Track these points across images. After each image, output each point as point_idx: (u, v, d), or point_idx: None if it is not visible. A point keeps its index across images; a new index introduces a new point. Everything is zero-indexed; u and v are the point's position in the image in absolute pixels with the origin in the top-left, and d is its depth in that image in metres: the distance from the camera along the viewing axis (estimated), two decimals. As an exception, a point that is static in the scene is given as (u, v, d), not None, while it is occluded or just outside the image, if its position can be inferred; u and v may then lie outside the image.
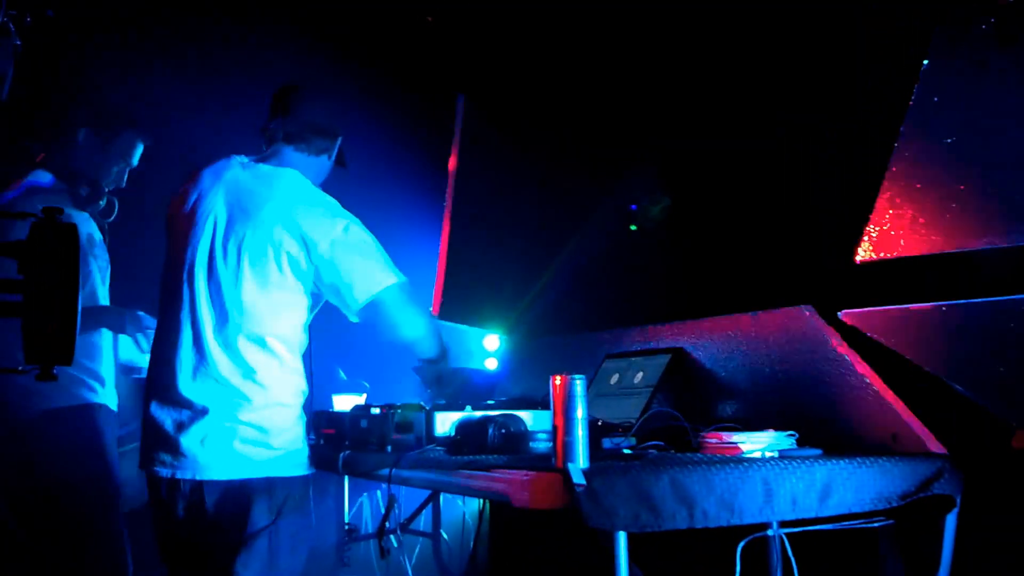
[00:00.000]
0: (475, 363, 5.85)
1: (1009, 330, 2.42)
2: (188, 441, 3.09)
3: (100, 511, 3.79)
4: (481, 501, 5.03)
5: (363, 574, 5.23)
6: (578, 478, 2.37)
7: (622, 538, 2.40)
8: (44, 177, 3.89)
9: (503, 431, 3.03)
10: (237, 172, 3.27)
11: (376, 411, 3.43)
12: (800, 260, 3.48)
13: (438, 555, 4.89)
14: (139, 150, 4.10)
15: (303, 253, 3.11)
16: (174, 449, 3.11)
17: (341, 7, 5.27)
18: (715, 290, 3.94)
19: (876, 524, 2.84)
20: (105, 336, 3.99)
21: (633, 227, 4.29)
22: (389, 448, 3.23)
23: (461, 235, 4.96)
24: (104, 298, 3.99)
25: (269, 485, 3.11)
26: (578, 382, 2.50)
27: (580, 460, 2.47)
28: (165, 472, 3.12)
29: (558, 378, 2.52)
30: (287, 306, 3.16)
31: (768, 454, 2.82)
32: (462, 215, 4.95)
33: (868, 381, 2.94)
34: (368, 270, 3.16)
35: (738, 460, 2.67)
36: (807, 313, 3.13)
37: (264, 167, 3.28)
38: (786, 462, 2.63)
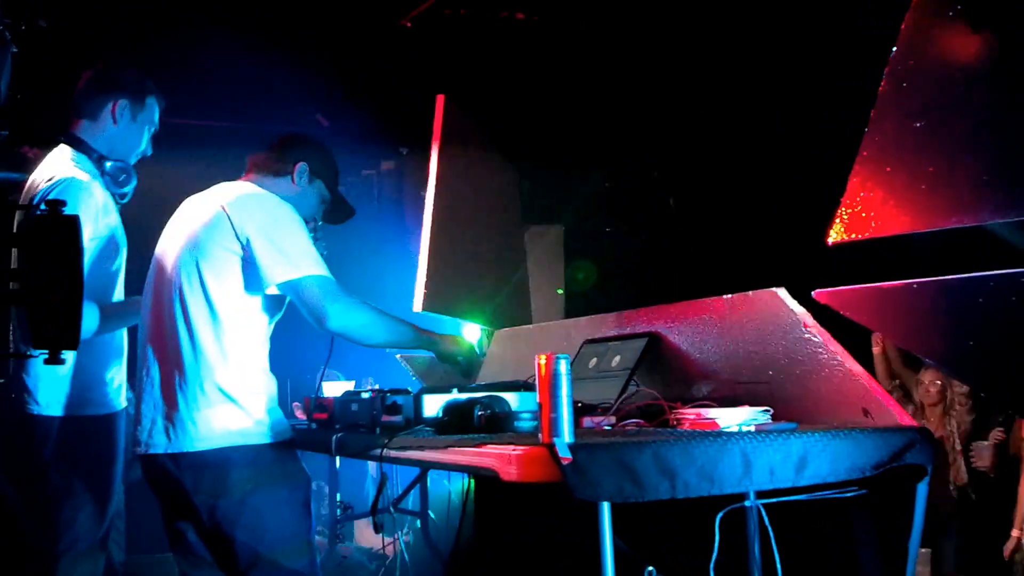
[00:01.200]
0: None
1: (978, 305, 2.38)
2: (160, 417, 3.12)
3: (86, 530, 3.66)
4: (466, 480, 4.99)
5: (357, 548, 5.17)
6: (564, 452, 2.32)
7: (606, 508, 2.35)
8: (83, 161, 3.70)
9: (488, 411, 3.00)
10: (207, 192, 3.36)
11: (366, 395, 3.40)
12: (773, 244, 3.44)
13: (426, 532, 4.85)
14: (158, 112, 3.97)
15: (235, 239, 3.14)
16: (156, 429, 3.14)
17: (324, 13, 5.21)
18: (690, 275, 3.90)
19: (849, 494, 2.81)
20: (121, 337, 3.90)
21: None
22: (379, 430, 3.21)
23: (441, 229, 4.89)
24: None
25: (240, 453, 3.10)
26: (562, 361, 2.46)
27: (565, 435, 2.42)
28: (152, 452, 3.15)
29: (543, 357, 2.47)
30: (233, 289, 3.17)
31: (745, 428, 2.77)
32: (442, 210, 4.88)
33: (840, 359, 2.90)
34: (278, 259, 3.13)
35: (717, 433, 2.62)
36: (779, 294, 3.09)
37: (227, 183, 3.34)
38: (763, 434, 2.59)
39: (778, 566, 2.90)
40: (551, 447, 2.35)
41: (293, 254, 3.14)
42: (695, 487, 2.45)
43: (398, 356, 4.83)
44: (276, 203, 3.23)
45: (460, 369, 3.68)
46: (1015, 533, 4.99)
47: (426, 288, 4.75)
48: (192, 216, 3.26)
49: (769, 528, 2.90)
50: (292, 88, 5.03)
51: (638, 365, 3.54)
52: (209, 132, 5.04)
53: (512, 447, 2.51)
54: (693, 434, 2.59)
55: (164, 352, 3.17)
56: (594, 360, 3.77)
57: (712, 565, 2.80)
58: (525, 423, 2.95)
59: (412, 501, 4.84)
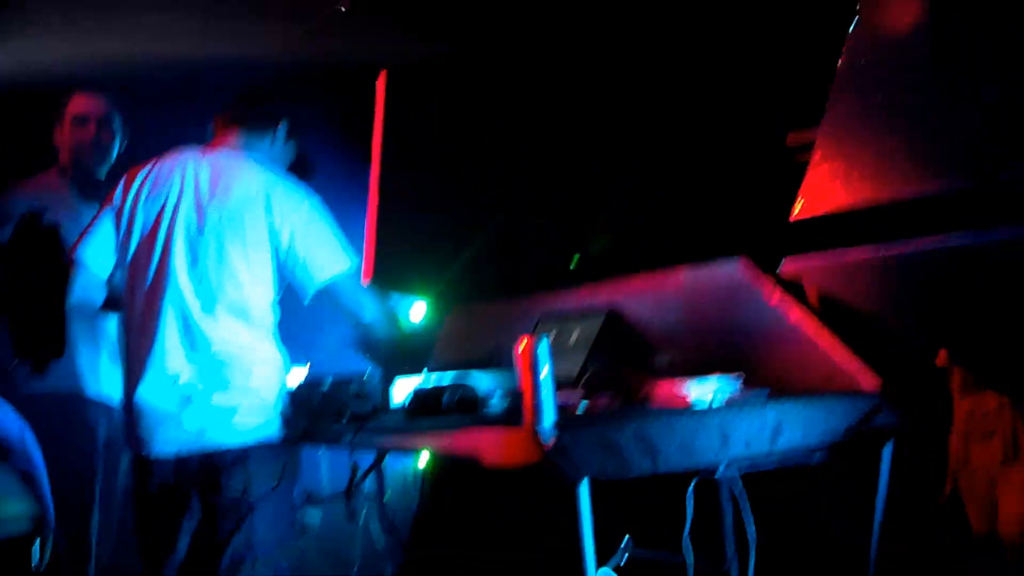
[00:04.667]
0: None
1: (945, 272, 2.49)
2: (190, 416, 3.11)
3: None
4: (417, 462, 5.09)
5: (322, 538, 5.21)
6: (548, 434, 2.39)
7: (584, 488, 2.42)
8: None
9: (458, 395, 3.06)
10: (196, 160, 3.29)
11: (328, 383, 3.44)
12: (737, 217, 3.51)
13: (384, 517, 4.89)
14: None
15: (270, 233, 3.18)
16: (176, 426, 3.11)
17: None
18: (651, 248, 3.96)
19: (816, 459, 2.91)
20: None
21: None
22: (347, 417, 3.26)
23: (389, 205, 4.92)
24: None
25: (272, 450, 3.19)
26: (543, 343, 2.51)
27: (548, 417, 2.48)
28: (168, 450, 3.12)
29: (524, 339, 2.52)
30: (262, 282, 3.23)
31: (719, 397, 2.85)
32: (389, 186, 4.91)
33: (803, 326, 2.98)
34: (325, 255, 3.21)
35: (694, 408, 2.71)
36: (741, 264, 3.15)
37: (222, 154, 3.30)
38: (739, 407, 2.69)
39: (751, 533, 3.00)
40: (534, 430, 2.42)
41: (332, 252, 3.31)
42: (676, 462, 2.55)
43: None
44: (307, 202, 3.30)
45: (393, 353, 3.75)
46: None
47: (373, 266, 4.79)
48: (219, 198, 3.23)
49: (742, 496, 3.00)
50: (224, 73, 5.00)
51: (599, 339, 3.59)
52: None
53: (493, 431, 2.59)
54: (672, 411, 2.67)
55: (192, 346, 3.17)
56: (553, 335, 3.81)
57: (686, 534, 2.90)
58: (495, 405, 3.01)
59: (367, 485, 4.88)
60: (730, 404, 2.77)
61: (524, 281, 4.60)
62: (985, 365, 2.69)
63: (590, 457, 2.42)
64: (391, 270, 4.96)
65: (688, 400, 2.84)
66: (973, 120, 2.43)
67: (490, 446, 2.54)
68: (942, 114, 2.50)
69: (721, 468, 2.96)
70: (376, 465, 4.88)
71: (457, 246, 5.08)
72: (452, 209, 5.09)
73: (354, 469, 3.25)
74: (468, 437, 2.66)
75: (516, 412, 2.57)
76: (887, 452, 2.92)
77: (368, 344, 3.82)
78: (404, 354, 3.81)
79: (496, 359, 3.53)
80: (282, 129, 3.47)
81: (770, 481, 2.94)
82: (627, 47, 4.13)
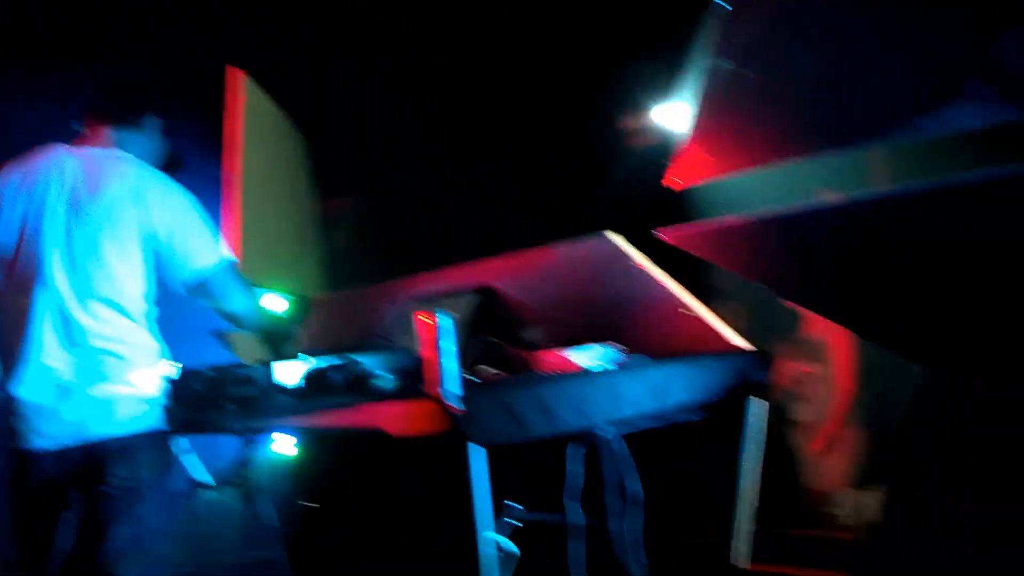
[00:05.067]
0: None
1: (820, 234, 2.67)
2: (69, 408, 3.11)
3: None
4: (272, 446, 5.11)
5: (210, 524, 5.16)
6: (454, 402, 2.50)
7: (480, 454, 2.51)
8: None
9: (346, 374, 3.12)
10: (68, 157, 3.30)
11: (210, 372, 3.45)
12: (603, 191, 3.64)
13: (256, 502, 4.88)
14: None
15: (142, 228, 3.20)
16: (54, 419, 3.09)
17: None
18: (521, 227, 4.05)
19: (693, 416, 3.09)
20: None
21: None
22: (233, 403, 3.29)
23: (248, 201, 4.92)
24: None
25: (154, 439, 3.20)
26: (446, 317, 2.61)
27: (454, 386, 2.58)
28: (48, 444, 3.10)
29: (424, 316, 2.62)
30: (136, 275, 3.23)
31: (605, 365, 3.01)
32: (247, 181, 4.91)
33: (671, 292, 3.15)
34: (196, 248, 3.25)
35: (587, 372, 2.85)
36: (608, 239, 3.27)
37: (94, 150, 3.31)
38: (627, 370, 2.85)
39: (635, 491, 3.16)
40: (441, 399, 2.52)
41: (206, 245, 3.30)
42: (571, 423, 2.69)
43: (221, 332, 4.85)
44: (181, 198, 3.30)
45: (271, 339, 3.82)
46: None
47: (243, 262, 4.78)
48: (91, 194, 3.21)
49: (622, 455, 3.15)
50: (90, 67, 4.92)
51: (475, 317, 3.68)
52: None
53: (396, 404, 2.68)
54: (566, 375, 2.81)
55: (69, 339, 3.15)
56: (426, 316, 3.87)
57: (566, 493, 3.04)
58: (384, 383, 3.08)
59: (253, 469, 4.88)
60: (618, 369, 2.91)
61: (385, 267, 4.65)
62: (852, 322, 2.89)
63: (493, 421, 2.55)
64: (251, 263, 4.96)
65: (578, 366, 2.97)
66: (836, 94, 2.62)
67: (395, 418, 2.62)
68: (811, 79, 2.68)
69: (601, 428, 3.13)
70: (255, 449, 4.89)
71: (315, 236, 5.11)
72: (310, 201, 5.12)
73: (244, 453, 3.27)
74: (370, 412, 2.74)
75: (412, 387, 2.67)
76: (754, 405, 3.12)
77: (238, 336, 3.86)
78: (272, 345, 3.86)
79: (368, 343, 3.61)
80: (152, 124, 3.48)
81: (656, 440, 3.09)
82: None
